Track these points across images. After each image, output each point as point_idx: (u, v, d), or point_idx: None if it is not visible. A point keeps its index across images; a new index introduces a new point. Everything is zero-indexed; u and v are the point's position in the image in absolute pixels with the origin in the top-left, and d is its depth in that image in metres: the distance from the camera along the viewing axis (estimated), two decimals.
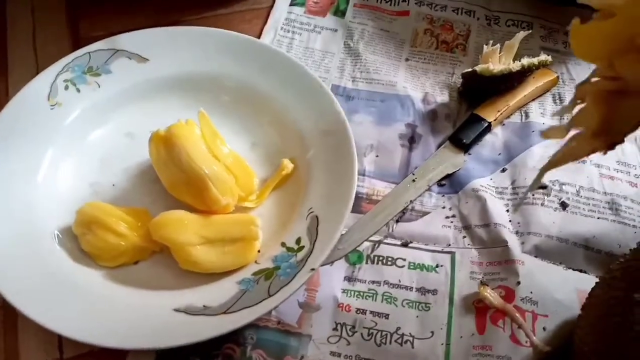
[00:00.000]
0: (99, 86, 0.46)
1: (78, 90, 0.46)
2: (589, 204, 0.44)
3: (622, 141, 0.27)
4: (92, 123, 0.46)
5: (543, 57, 0.50)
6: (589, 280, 0.39)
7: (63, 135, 0.44)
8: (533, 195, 0.45)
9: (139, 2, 0.55)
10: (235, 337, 0.38)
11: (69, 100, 0.45)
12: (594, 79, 0.27)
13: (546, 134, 0.30)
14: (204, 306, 0.36)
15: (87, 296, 0.37)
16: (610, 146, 0.27)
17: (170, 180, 0.41)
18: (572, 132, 0.28)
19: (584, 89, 0.27)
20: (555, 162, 0.29)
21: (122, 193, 0.43)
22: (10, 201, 0.40)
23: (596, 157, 0.47)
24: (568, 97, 0.52)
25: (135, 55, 0.48)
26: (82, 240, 0.39)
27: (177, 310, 0.36)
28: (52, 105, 0.45)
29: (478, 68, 0.48)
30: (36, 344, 0.37)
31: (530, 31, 0.51)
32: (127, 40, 0.48)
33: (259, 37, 0.54)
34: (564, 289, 0.40)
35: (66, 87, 0.45)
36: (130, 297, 0.37)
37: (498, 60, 0.49)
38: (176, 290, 0.38)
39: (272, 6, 0.57)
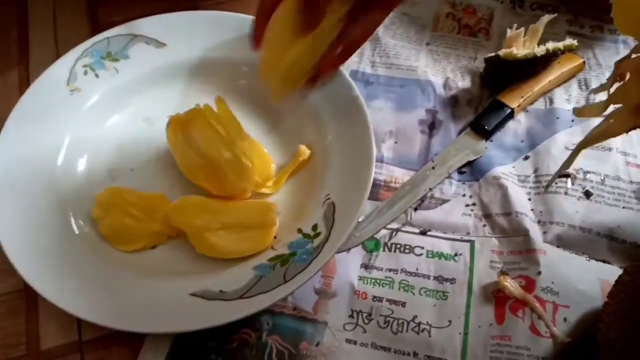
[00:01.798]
0: (117, 71, 0.46)
1: (97, 76, 0.46)
2: (614, 193, 0.43)
3: None
4: (111, 108, 0.46)
5: (569, 41, 0.48)
6: (612, 271, 0.38)
7: (82, 120, 0.44)
8: (556, 183, 0.43)
9: None
10: (251, 322, 0.38)
11: (88, 86, 0.45)
12: (635, 55, 0.26)
13: (580, 111, 0.29)
14: (220, 291, 0.36)
15: (105, 280, 0.37)
16: None
17: (187, 165, 0.41)
18: (610, 111, 0.27)
19: (624, 65, 0.27)
20: (593, 139, 0.29)
21: (140, 178, 0.43)
22: (30, 186, 0.40)
23: (622, 145, 0.46)
24: (594, 82, 0.51)
25: (153, 40, 0.48)
26: (100, 225, 0.39)
27: (193, 294, 0.36)
28: (71, 91, 0.45)
29: (501, 52, 0.47)
30: (56, 327, 0.38)
31: (555, 15, 0.50)
32: (145, 25, 0.48)
33: None
34: (587, 280, 0.39)
35: (85, 73, 0.46)
36: (147, 282, 0.37)
37: (522, 45, 0.48)
38: (193, 275, 0.38)
39: None
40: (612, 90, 0.28)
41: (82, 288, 0.37)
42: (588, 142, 0.29)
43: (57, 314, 0.36)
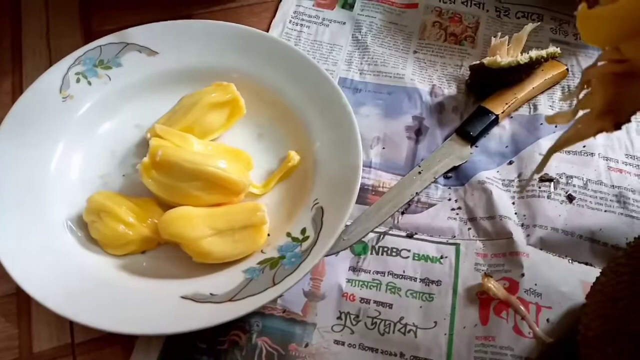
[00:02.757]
0: (110, 79, 0.47)
1: (89, 83, 0.47)
2: (596, 197, 0.44)
3: (628, 121, 0.27)
4: (103, 115, 0.47)
5: (552, 49, 0.49)
6: (594, 273, 0.38)
7: (74, 127, 0.45)
8: (539, 187, 0.45)
9: None
10: (241, 324, 0.38)
11: (81, 93, 0.46)
12: (600, 63, 0.27)
13: (551, 118, 0.30)
14: (210, 294, 0.37)
15: (97, 283, 0.38)
16: (617, 125, 0.27)
17: (179, 195, 0.40)
18: (579, 116, 0.28)
19: (590, 72, 0.28)
20: (562, 143, 0.30)
21: (132, 184, 0.43)
22: (23, 190, 0.41)
23: (604, 150, 0.47)
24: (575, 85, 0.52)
25: (145, 48, 0.48)
26: (91, 228, 0.40)
27: (184, 297, 0.37)
28: (64, 98, 0.45)
29: (485, 60, 0.48)
30: (48, 330, 0.39)
31: (539, 23, 0.51)
32: (137, 33, 0.49)
33: (267, 30, 0.55)
34: (569, 282, 0.40)
35: (78, 80, 0.46)
36: (138, 285, 0.38)
37: (506, 53, 0.49)
38: (184, 278, 0.39)
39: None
40: (580, 96, 0.29)
41: (74, 291, 0.37)
42: (558, 146, 0.30)
43: (49, 317, 0.37)
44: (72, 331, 0.38)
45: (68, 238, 0.40)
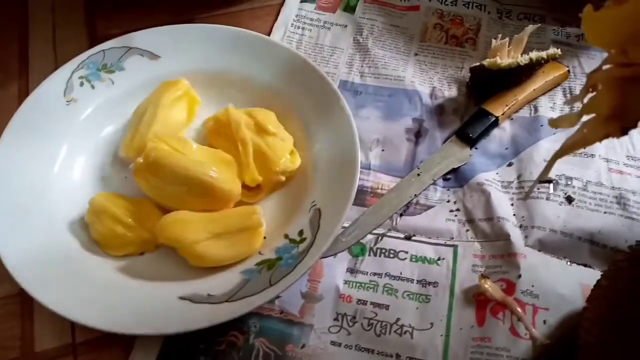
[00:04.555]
0: (113, 83, 0.48)
1: (93, 87, 0.47)
2: (596, 199, 0.44)
3: (635, 126, 0.27)
4: (106, 118, 0.47)
5: (552, 50, 0.49)
6: (593, 275, 0.38)
7: (78, 130, 0.46)
8: (538, 189, 0.44)
9: (153, 1, 0.57)
10: (239, 325, 0.39)
11: (84, 97, 0.47)
12: (606, 66, 0.27)
13: (554, 122, 0.30)
14: (208, 295, 0.37)
15: (98, 284, 0.38)
16: (623, 131, 0.27)
17: (171, 198, 0.41)
18: (583, 120, 0.28)
19: (596, 76, 0.28)
20: (567, 148, 0.29)
21: (133, 186, 0.44)
22: (27, 192, 0.42)
23: (605, 151, 0.47)
24: (579, 91, 0.52)
25: (147, 52, 0.49)
26: (92, 229, 0.41)
27: (182, 298, 0.38)
28: (67, 101, 0.46)
29: (486, 62, 0.48)
30: (50, 330, 0.39)
31: (539, 24, 0.51)
32: (139, 38, 0.49)
33: (269, 33, 0.55)
34: (568, 283, 0.39)
35: (81, 84, 0.47)
36: (137, 286, 0.39)
37: (507, 55, 0.49)
38: (182, 279, 0.39)
39: (282, 3, 0.58)
40: (585, 100, 0.29)
41: (75, 292, 0.38)
42: (563, 151, 0.30)
43: (51, 318, 0.37)
44: (73, 331, 0.39)
45: (70, 239, 0.41)
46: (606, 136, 0.28)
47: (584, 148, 0.32)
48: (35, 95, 0.46)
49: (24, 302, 0.40)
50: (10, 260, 0.38)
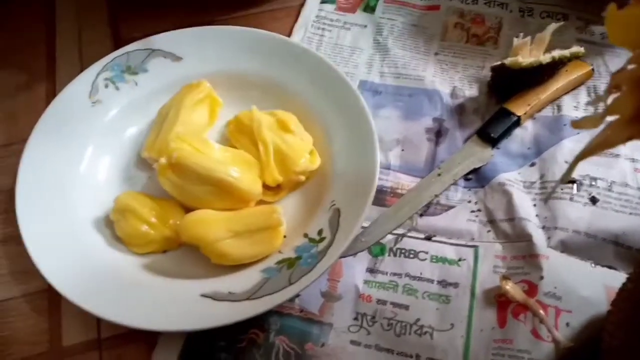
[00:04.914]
0: (137, 84, 0.49)
1: (117, 88, 0.48)
2: (621, 200, 0.43)
3: None
4: (130, 119, 0.48)
5: (575, 49, 0.48)
6: (618, 277, 0.38)
7: (103, 130, 0.47)
8: (562, 189, 0.44)
9: (175, 4, 0.58)
10: (260, 322, 0.39)
11: (109, 98, 0.48)
12: (630, 66, 0.27)
13: (577, 123, 0.29)
14: (229, 292, 0.38)
15: (122, 281, 0.39)
16: None
17: (193, 198, 0.42)
18: (607, 122, 0.28)
19: (620, 77, 0.27)
20: (589, 150, 0.29)
21: (156, 185, 0.44)
22: (55, 191, 0.43)
23: (631, 151, 0.46)
24: (604, 89, 0.51)
25: (170, 54, 0.50)
26: (116, 227, 0.42)
27: (204, 295, 0.38)
28: (93, 103, 0.47)
29: (507, 61, 0.47)
30: (77, 325, 0.40)
31: (562, 23, 0.50)
32: (162, 40, 0.50)
33: (289, 35, 0.56)
34: (591, 285, 0.39)
35: (106, 86, 0.48)
36: (160, 283, 0.39)
37: (528, 53, 0.49)
38: (204, 277, 0.40)
39: (302, 4, 0.58)
40: (609, 101, 0.28)
41: (100, 288, 0.39)
42: (586, 153, 0.29)
43: (78, 313, 0.38)
44: (99, 327, 0.40)
45: (96, 237, 0.42)
46: (630, 138, 0.27)
47: (608, 149, 0.32)
48: (61, 96, 0.47)
49: (52, 298, 0.41)
50: (38, 256, 0.39)
